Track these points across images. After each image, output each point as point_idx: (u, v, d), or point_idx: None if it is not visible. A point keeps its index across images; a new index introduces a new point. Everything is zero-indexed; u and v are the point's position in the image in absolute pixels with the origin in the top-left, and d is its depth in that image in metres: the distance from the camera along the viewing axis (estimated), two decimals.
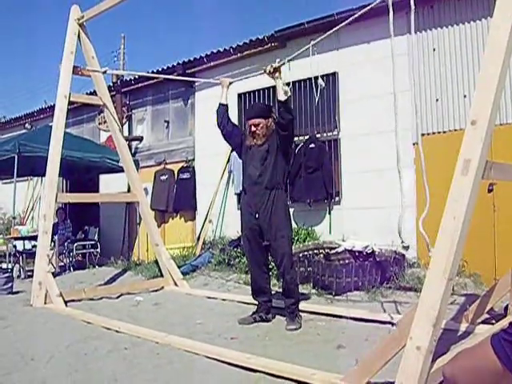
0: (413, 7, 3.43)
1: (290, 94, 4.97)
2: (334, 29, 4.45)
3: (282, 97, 4.64)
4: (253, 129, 4.75)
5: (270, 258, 5.02)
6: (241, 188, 5.26)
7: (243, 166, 5.02)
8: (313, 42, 4.55)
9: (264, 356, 3.65)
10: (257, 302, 5.02)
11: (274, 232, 4.68)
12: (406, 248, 6.46)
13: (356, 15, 4.24)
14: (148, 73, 10.07)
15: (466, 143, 2.71)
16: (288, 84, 4.90)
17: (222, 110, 5.12)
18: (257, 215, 4.73)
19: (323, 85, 5.00)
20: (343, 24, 4.35)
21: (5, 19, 57.58)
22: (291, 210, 8.23)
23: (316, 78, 6.56)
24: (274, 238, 4.68)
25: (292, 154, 5.80)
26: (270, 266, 5.24)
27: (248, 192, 4.88)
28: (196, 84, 9.72)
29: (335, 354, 3.82)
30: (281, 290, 5.00)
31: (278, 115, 4.77)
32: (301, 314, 4.81)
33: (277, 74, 4.76)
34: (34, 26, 69.25)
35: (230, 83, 5.41)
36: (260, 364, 3.46)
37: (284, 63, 4.79)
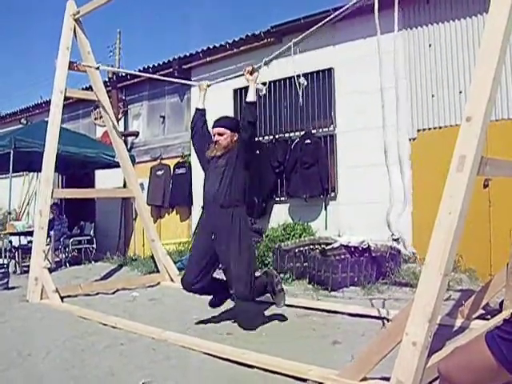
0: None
1: (264, 92, 5.01)
2: (312, 28, 4.47)
3: (249, 98, 4.62)
4: (216, 137, 4.56)
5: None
6: None
7: (203, 181, 4.75)
8: (294, 40, 4.60)
9: (259, 351, 3.66)
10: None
11: (230, 256, 4.34)
12: (397, 241, 6.45)
13: (338, 14, 4.28)
14: (144, 68, 10.06)
15: (461, 139, 2.72)
16: (264, 84, 4.94)
17: (198, 114, 5.00)
18: (212, 236, 4.42)
19: (305, 83, 5.02)
20: (323, 22, 4.39)
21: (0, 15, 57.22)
22: (287, 206, 8.31)
23: (302, 75, 6.58)
24: (230, 263, 4.35)
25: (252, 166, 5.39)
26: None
27: (205, 211, 4.67)
28: (192, 78, 9.69)
29: (331, 350, 3.84)
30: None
31: (242, 115, 4.72)
32: (283, 292, 4.59)
33: (253, 76, 4.72)
34: (30, 22, 68.89)
35: (208, 86, 5.33)
36: (255, 359, 3.48)
37: (261, 66, 4.85)
